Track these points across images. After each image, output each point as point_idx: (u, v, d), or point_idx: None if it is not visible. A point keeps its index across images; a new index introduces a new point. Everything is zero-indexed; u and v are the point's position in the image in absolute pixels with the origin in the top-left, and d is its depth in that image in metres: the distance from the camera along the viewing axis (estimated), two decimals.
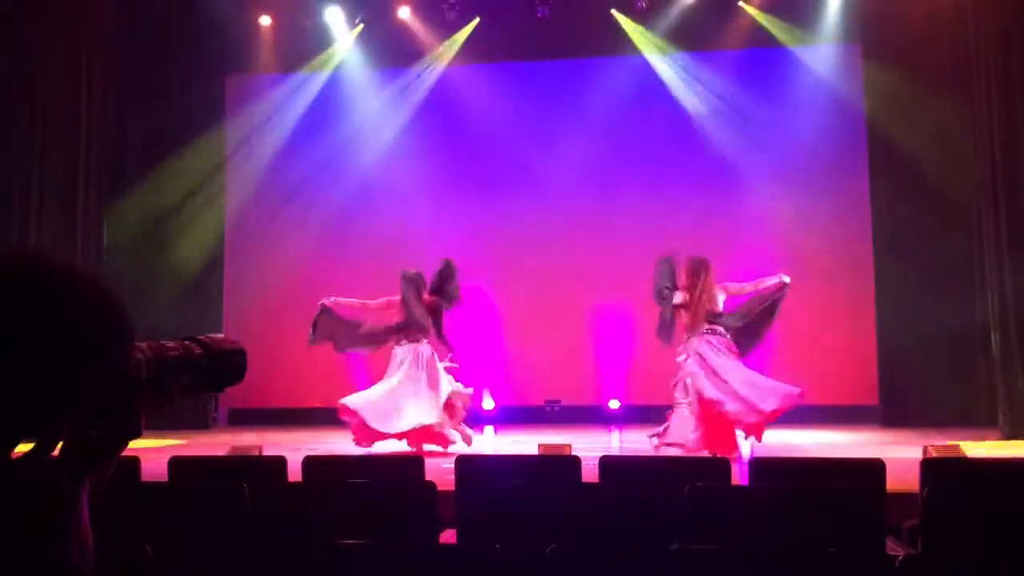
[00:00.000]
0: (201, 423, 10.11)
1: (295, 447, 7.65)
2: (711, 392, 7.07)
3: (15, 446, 1.10)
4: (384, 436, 7.69)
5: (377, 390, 7.93)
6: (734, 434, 7.23)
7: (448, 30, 11.14)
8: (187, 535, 3.46)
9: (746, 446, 7.24)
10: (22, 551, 1.03)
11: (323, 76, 11.42)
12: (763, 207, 10.44)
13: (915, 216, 9.81)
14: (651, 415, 10.09)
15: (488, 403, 10.61)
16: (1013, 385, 8.78)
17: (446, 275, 8.14)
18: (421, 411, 7.68)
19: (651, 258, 10.40)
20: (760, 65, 10.74)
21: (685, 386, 7.27)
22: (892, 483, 4.11)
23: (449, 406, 7.88)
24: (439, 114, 11.25)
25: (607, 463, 4.35)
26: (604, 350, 10.47)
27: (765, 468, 4.24)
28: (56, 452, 1.14)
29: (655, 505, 3.48)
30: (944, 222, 9.70)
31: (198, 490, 3.90)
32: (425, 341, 8.05)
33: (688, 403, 7.19)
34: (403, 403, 7.70)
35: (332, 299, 8.34)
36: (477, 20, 10.99)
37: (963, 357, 9.46)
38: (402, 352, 8.03)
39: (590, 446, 7.64)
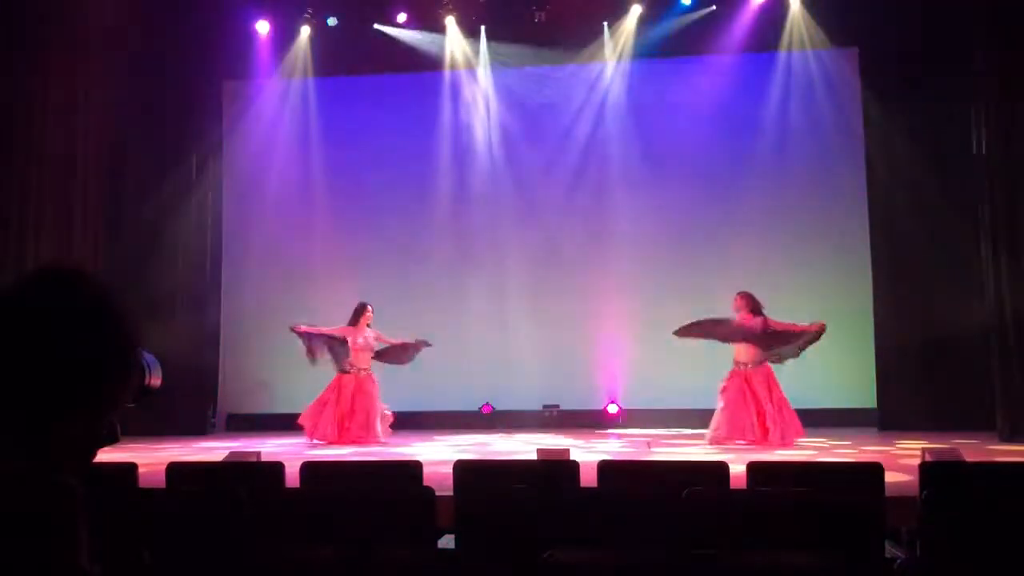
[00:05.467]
0: (199, 429, 10.09)
1: (293, 453, 7.65)
2: None
3: (36, 447, 1.11)
4: None
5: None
6: None
7: (444, 36, 11.16)
8: (185, 541, 3.45)
9: None
10: (36, 555, 1.03)
11: (320, 82, 11.41)
12: (761, 209, 10.44)
13: (914, 217, 9.80)
14: (649, 419, 10.12)
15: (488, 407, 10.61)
16: (1012, 387, 8.77)
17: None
18: None
19: (650, 261, 10.45)
20: (758, 69, 10.74)
21: None
22: (890, 486, 4.11)
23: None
24: (436, 119, 11.24)
25: (605, 467, 4.34)
26: (602, 355, 10.46)
27: (763, 472, 4.22)
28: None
29: (653, 509, 3.47)
30: (943, 223, 9.68)
31: (196, 496, 3.89)
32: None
33: None
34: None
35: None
36: (482, 28, 11.04)
37: (961, 359, 9.42)
38: None
39: (588, 450, 7.65)
